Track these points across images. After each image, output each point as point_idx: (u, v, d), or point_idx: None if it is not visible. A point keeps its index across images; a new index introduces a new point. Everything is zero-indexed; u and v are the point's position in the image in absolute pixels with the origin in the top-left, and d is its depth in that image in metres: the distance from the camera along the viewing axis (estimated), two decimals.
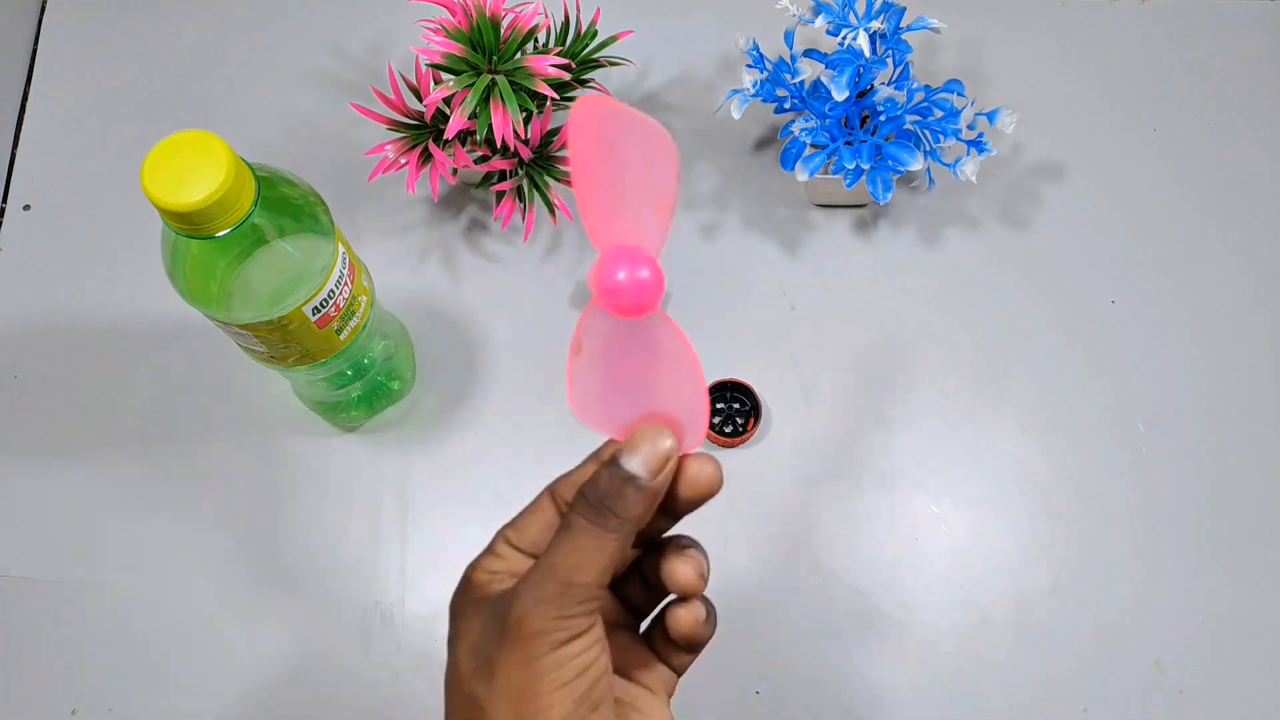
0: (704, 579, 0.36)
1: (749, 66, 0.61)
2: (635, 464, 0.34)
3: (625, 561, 0.38)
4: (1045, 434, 0.63)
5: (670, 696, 0.38)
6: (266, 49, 0.72)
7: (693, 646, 0.37)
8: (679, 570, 0.35)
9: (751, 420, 0.61)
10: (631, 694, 0.38)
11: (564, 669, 0.34)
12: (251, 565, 0.60)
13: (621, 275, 0.31)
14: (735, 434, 0.61)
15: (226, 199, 0.41)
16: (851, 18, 0.59)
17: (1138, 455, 0.62)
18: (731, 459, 0.62)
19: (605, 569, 0.34)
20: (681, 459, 0.35)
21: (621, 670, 0.38)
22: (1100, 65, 0.72)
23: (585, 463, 0.37)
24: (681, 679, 0.42)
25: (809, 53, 0.62)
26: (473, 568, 0.36)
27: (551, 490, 0.37)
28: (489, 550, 0.36)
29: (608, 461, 0.34)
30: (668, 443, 0.34)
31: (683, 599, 0.36)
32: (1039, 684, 0.58)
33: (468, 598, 0.35)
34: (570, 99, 0.61)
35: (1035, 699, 0.58)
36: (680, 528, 0.38)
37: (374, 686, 0.58)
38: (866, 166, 0.59)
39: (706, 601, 0.37)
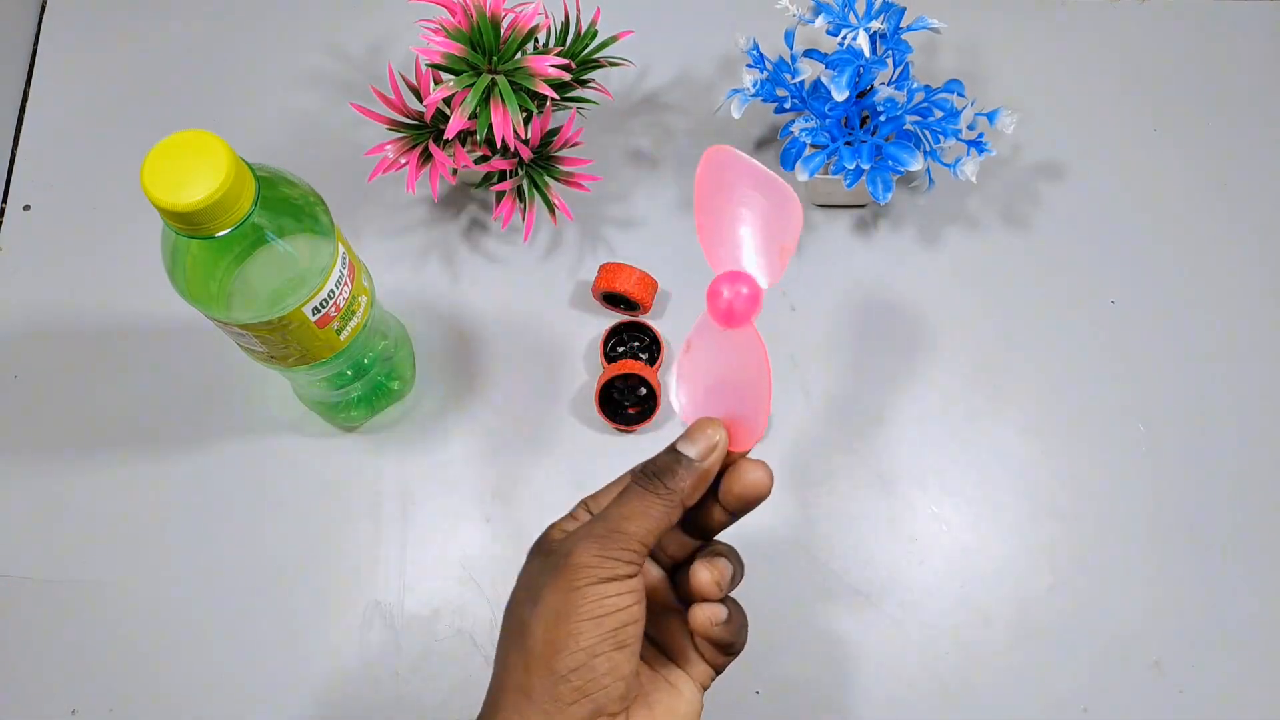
0: (720, 586, 0.40)
1: (749, 66, 0.61)
2: (688, 447, 0.40)
3: (682, 549, 0.44)
4: (1045, 434, 0.63)
5: (704, 689, 0.43)
6: (266, 49, 0.72)
7: (722, 647, 0.42)
8: (699, 574, 0.40)
9: None
10: (672, 674, 0.43)
11: (597, 604, 0.39)
12: (251, 565, 0.60)
13: (726, 292, 0.40)
14: None
15: (226, 199, 0.41)
16: (851, 18, 0.59)
17: (1137, 455, 0.62)
18: None
19: (650, 530, 0.40)
20: (740, 460, 0.41)
21: (668, 652, 0.43)
22: (1100, 65, 0.72)
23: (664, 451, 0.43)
24: None
25: (809, 53, 0.62)
26: (551, 526, 0.42)
27: (633, 472, 0.42)
28: (569, 514, 0.42)
29: (669, 446, 0.41)
30: (718, 435, 0.40)
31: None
32: (1039, 684, 0.58)
33: (539, 549, 0.41)
34: (571, 99, 0.61)
35: (1035, 699, 0.58)
36: None
37: (374, 686, 0.58)
38: (866, 167, 0.59)
39: (734, 607, 0.41)
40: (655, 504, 0.40)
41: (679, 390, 0.43)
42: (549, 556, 0.40)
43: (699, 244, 0.41)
